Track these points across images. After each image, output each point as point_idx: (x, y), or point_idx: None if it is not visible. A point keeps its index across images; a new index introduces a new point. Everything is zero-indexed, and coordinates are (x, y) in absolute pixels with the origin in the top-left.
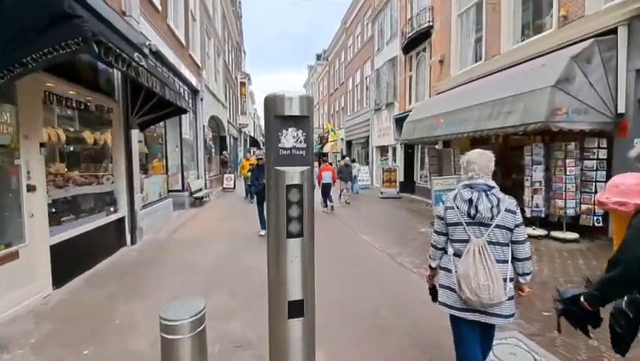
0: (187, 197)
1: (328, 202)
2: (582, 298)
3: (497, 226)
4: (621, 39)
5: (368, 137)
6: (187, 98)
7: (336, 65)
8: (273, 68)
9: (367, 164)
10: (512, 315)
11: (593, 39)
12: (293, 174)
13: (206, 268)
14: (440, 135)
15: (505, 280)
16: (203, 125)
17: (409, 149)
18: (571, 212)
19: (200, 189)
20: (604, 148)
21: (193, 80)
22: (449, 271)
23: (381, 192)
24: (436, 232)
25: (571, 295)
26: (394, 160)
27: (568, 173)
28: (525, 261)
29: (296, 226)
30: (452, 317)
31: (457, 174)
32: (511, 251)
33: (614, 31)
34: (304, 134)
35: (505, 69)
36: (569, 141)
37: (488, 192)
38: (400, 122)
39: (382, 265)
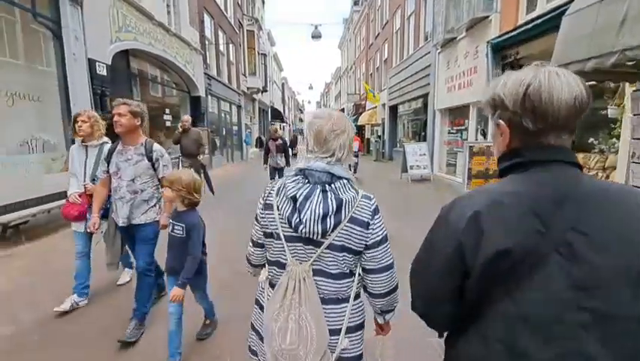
0: None
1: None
2: None
3: (331, 247)
4: None
5: (426, 95)
6: None
7: (377, 3)
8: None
9: (424, 140)
10: None
11: None
12: None
13: None
14: None
15: (337, 331)
16: (89, 59)
17: None
18: None
19: None
20: None
21: None
22: (261, 307)
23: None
24: (252, 241)
25: None
26: (482, 132)
27: None
28: (386, 296)
29: None
30: None
31: None
32: (361, 279)
33: None
34: None
35: None
36: None
37: (327, 188)
38: (500, 52)
39: None
